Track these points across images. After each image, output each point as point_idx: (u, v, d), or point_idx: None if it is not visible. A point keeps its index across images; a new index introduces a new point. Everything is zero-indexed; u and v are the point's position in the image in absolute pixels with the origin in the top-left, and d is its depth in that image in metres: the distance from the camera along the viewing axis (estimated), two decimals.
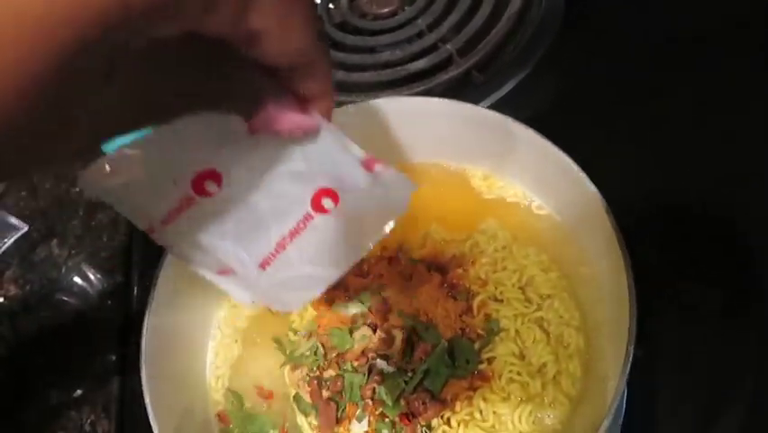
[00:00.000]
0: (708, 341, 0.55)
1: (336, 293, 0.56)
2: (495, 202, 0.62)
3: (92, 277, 0.67)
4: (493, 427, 0.51)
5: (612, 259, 0.48)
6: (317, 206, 0.32)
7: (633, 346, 0.44)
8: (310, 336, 0.56)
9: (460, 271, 0.58)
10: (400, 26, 0.80)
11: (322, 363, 0.54)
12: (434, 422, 0.51)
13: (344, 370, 0.53)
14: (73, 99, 0.21)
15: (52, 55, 0.19)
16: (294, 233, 0.32)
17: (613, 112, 0.68)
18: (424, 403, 0.51)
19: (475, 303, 0.55)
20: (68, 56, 0.19)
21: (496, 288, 0.56)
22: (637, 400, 0.53)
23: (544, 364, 0.52)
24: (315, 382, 0.53)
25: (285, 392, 0.56)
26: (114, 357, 0.62)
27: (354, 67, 0.77)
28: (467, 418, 0.51)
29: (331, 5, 0.84)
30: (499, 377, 0.52)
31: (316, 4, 0.25)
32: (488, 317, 0.55)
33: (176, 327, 0.57)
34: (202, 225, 0.31)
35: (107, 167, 0.27)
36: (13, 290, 0.67)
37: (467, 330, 0.54)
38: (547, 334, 0.54)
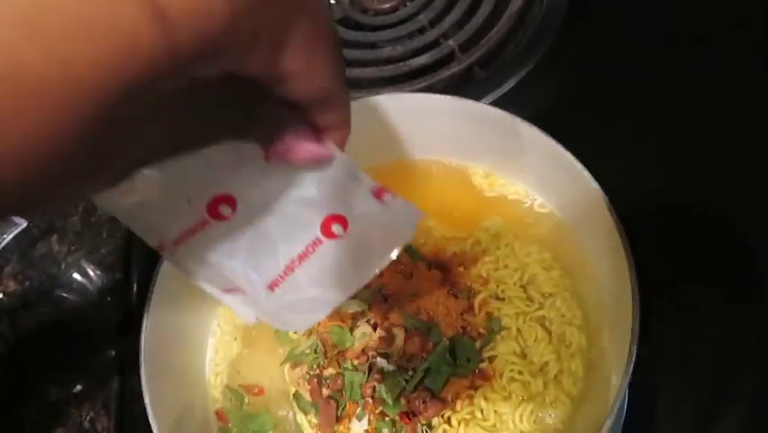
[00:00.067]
0: (709, 341, 0.55)
1: None
2: (496, 200, 0.62)
3: (91, 273, 0.67)
4: (494, 426, 0.51)
5: (614, 257, 0.48)
6: (327, 231, 0.33)
7: (636, 347, 0.44)
8: (310, 333, 0.56)
9: (461, 269, 0.58)
10: (402, 22, 0.80)
11: (322, 362, 0.54)
12: (435, 421, 0.51)
13: (344, 368, 0.53)
14: (113, 144, 0.21)
15: (97, 104, 0.19)
16: (303, 256, 0.33)
17: (613, 111, 0.67)
18: (424, 402, 0.50)
19: (476, 301, 0.55)
20: (112, 105, 0.19)
21: (497, 286, 0.56)
22: (638, 400, 0.53)
23: (546, 363, 0.52)
24: (315, 380, 0.53)
25: (285, 391, 0.56)
26: (113, 354, 0.62)
27: (355, 62, 0.77)
28: (468, 417, 0.51)
29: (332, 1, 0.83)
30: (501, 376, 0.52)
31: (341, 45, 0.26)
32: (489, 316, 0.54)
33: (175, 323, 0.56)
34: (213, 246, 0.32)
35: (124, 186, 0.27)
36: (12, 286, 0.67)
37: (468, 329, 0.54)
38: (549, 333, 0.54)
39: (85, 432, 0.59)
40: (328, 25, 0.26)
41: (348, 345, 0.53)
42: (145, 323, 0.51)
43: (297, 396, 0.54)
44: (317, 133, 0.30)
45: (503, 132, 0.56)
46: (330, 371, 0.53)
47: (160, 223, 0.31)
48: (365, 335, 0.54)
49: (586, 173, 0.52)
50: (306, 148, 0.29)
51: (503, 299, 0.55)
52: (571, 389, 0.51)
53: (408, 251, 0.58)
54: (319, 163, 0.31)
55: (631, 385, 0.45)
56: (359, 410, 0.51)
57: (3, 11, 0.17)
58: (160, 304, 0.53)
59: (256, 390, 0.57)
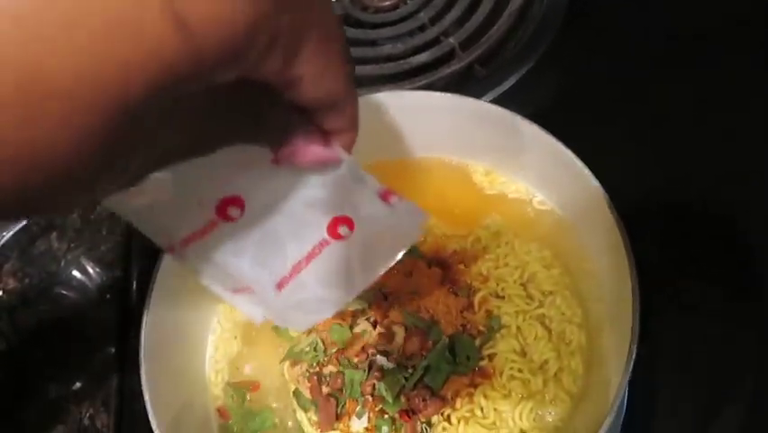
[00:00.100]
0: (709, 339, 0.55)
1: None
2: (497, 198, 0.62)
3: (91, 271, 0.67)
4: (494, 424, 0.51)
5: (615, 255, 0.48)
6: (333, 232, 0.33)
7: (636, 344, 0.44)
8: (310, 331, 0.56)
9: (461, 267, 0.57)
10: (402, 19, 0.79)
11: (322, 359, 0.54)
12: (434, 419, 0.51)
13: (344, 366, 0.52)
14: (129, 148, 0.22)
15: (119, 108, 0.19)
16: (310, 257, 0.33)
17: (614, 109, 0.67)
18: (424, 400, 0.50)
19: (476, 299, 0.55)
20: (132, 109, 0.19)
21: (497, 284, 0.56)
22: (638, 398, 0.53)
23: (546, 361, 0.52)
24: (315, 377, 0.53)
25: (285, 388, 0.55)
26: (113, 351, 0.62)
27: (356, 60, 0.76)
28: (467, 414, 0.51)
29: None
30: (500, 374, 0.52)
31: (349, 48, 0.27)
32: (489, 314, 0.54)
33: (175, 321, 0.56)
34: (222, 246, 0.32)
35: (134, 188, 0.27)
36: (12, 283, 0.67)
37: (468, 326, 0.54)
38: (549, 331, 0.54)
39: (84, 429, 0.59)
40: (338, 30, 0.27)
41: (347, 342, 0.53)
42: (145, 320, 0.51)
43: (296, 393, 0.54)
44: (325, 136, 0.30)
45: (503, 129, 0.56)
46: (330, 368, 0.53)
47: (170, 224, 0.31)
48: (365, 332, 0.54)
49: (586, 171, 0.52)
50: (313, 151, 0.30)
51: (503, 297, 0.55)
52: (571, 387, 0.51)
53: (409, 248, 0.58)
54: (326, 166, 0.31)
55: (631, 383, 0.45)
56: (359, 408, 0.51)
57: (41, 11, 0.17)
58: (160, 302, 0.53)
59: (251, 386, 0.57)
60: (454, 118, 0.59)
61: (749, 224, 0.59)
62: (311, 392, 0.53)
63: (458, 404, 0.51)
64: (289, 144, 0.29)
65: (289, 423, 0.55)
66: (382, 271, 0.36)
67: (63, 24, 0.17)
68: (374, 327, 0.54)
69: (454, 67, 0.73)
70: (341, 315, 0.55)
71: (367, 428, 0.51)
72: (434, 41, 0.76)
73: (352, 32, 0.79)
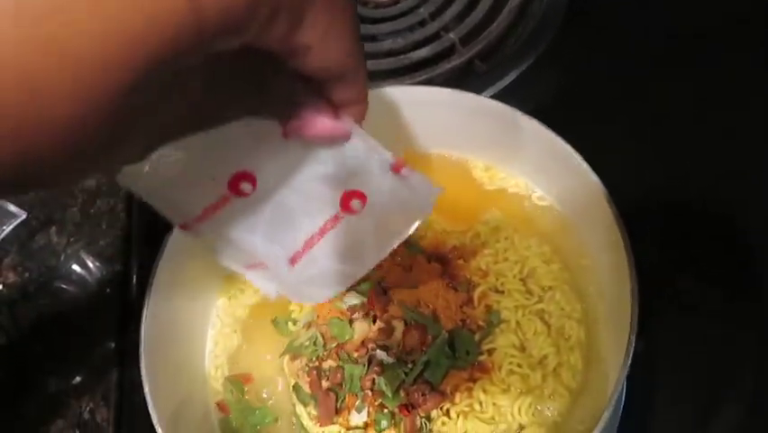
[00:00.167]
0: (708, 337, 0.56)
1: None
2: (496, 193, 0.62)
3: (91, 265, 0.67)
4: (492, 418, 0.51)
5: (614, 251, 0.48)
6: (346, 206, 0.33)
7: (634, 339, 0.44)
8: (309, 325, 0.56)
9: (460, 262, 0.58)
10: (402, 14, 0.79)
11: (321, 354, 0.54)
12: (434, 413, 0.51)
13: (344, 360, 0.53)
14: (132, 120, 0.21)
15: (122, 79, 0.19)
16: (323, 231, 0.33)
17: (613, 107, 0.67)
18: (423, 394, 0.51)
19: (476, 294, 0.55)
20: (136, 80, 0.19)
21: (497, 279, 0.56)
22: (636, 395, 0.53)
23: (545, 356, 0.52)
24: (315, 372, 0.53)
25: (284, 382, 0.56)
26: (112, 345, 0.62)
27: None
28: (466, 409, 0.51)
29: None
30: (499, 369, 0.52)
31: (358, 17, 0.26)
32: (488, 309, 0.55)
33: (175, 315, 0.57)
34: (235, 222, 0.32)
35: (147, 166, 0.27)
36: (11, 277, 0.67)
37: (467, 321, 0.54)
38: (548, 326, 0.54)
39: (84, 423, 0.59)
40: (346, 1, 0.26)
41: (347, 337, 0.53)
42: (145, 315, 0.51)
43: (296, 388, 0.54)
44: (334, 108, 0.30)
45: (503, 125, 0.56)
46: (329, 363, 0.53)
47: (182, 200, 0.31)
48: (364, 327, 0.54)
49: (586, 166, 0.52)
50: (322, 123, 0.29)
51: (502, 292, 0.55)
52: (570, 382, 0.52)
53: (408, 243, 0.58)
54: (336, 139, 0.30)
55: (629, 380, 0.45)
56: (358, 403, 0.51)
57: None
58: (160, 296, 0.53)
59: (243, 378, 0.57)
60: (454, 114, 0.59)
61: (748, 222, 0.59)
62: (310, 387, 0.53)
63: (457, 399, 0.51)
64: (297, 117, 0.29)
65: (289, 418, 0.55)
66: (395, 245, 0.35)
67: None
68: (374, 321, 0.54)
69: (454, 62, 0.73)
70: (340, 309, 0.55)
71: (366, 423, 0.51)
72: (435, 37, 0.76)
73: None
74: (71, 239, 0.69)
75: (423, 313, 0.53)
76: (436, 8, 0.78)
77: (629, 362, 0.44)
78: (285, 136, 0.30)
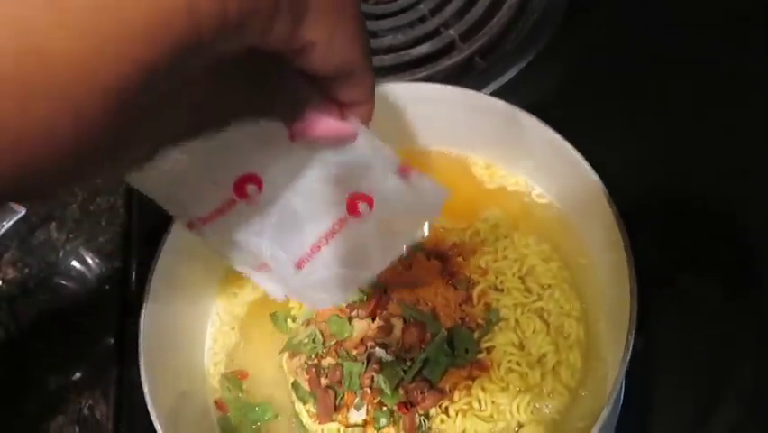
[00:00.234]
0: (707, 334, 0.55)
1: None
2: (496, 191, 0.61)
3: (90, 261, 0.67)
4: (491, 416, 0.51)
5: (613, 249, 0.48)
6: (353, 209, 0.33)
7: (633, 335, 0.44)
8: (309, 323, 0.56)
9: (460, 259, 0.57)
10: (402, 11, 0.79)
11: (320, 351, 0.54)
12: (433, 411, 0.51)
13: (343, 358, 0.53)
14: (136, 126, 0.21)
15: (121, 87, 0.19)
16: (329, 235, 0.33)
17: (613, 105, 0.67)
18: (422, 392, 0.51)
19: (475, 292, 0.55)
20: (136, 87, 0.19)
21: (496, 277, 0.56)
22: (635, 393, 0.53)
23: (544, 355, 0.52)
24: (314, 369, 0.53)
25: (283, 380, 0.56)
26: (112, 342, 0.62)
27: None
28: (465, 407, 0.51)
29: None
30: (498, 367, 0.52)
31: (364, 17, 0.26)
32: (487, 307, 0.55)
33: (174, 312, 0.57)
34: (241, 224, 0.32)
35: (153, 168, 0.27)
36: (11, 273, 0.67)
37: (466, 319, 0.54)
38: (547, 324, 0.54)
39: (84, 420, 0.59)
40: None
41: (346, 334, 0.53)
42: (144, 311, 0.51)
43: (295, 385, 0.54)
44: (340, 108, 0.29)
45: (503, 122, 0.56)
46: (328, 360, 0.53)
47: (189, 202, 0.31)
48: (363, 325, 0.54)
49: (586, 164, 0.51)
50: (328, 124, 0.29)
51: (502, 290, 0.55)
52: (569, 380, 0.52)
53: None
54: (342, 140, 0.30)
55: (628, 378, 0.45)
56: (357, 400, 0.52)
57: None
58: (159, 293, 0.53)
59: (239, 375, 0.57)
60: (454, 110, 0.58)
61: (749, 219, 0.59)
62: (309, 384, 0.53)
63: (456, 397, 0.51)
64: (303, 118, 0.28)
65: (288, 415, 0.55)
66: (403, 249, 0.35)
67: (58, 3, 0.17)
68: (373, 319, 0.54)
69: (454, 59, 0.72)
70: (339, 307, 0.55)
71: (365, 420, 0.51)
72: (435, 33, 0.76)
73: None
74: (71, 235, 0.69)
75: (422, 311, 0.53)
76: (436, 4, 0.78)
77: (628, 360, 0.44)
78: (291, 138, 0.29)
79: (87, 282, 0.66)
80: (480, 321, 0.54)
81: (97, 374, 0.61)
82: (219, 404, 0.56)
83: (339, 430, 0.52)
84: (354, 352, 0.53)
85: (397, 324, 0.53)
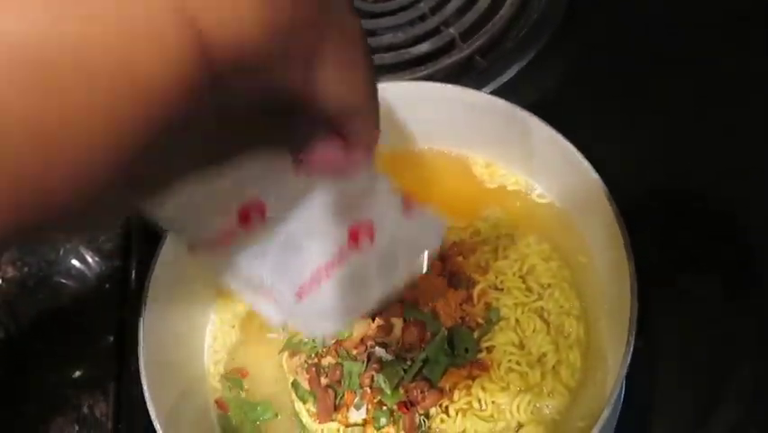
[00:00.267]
0: (707, 335, 0.55)
1: None
2: (497, 190, 0.61)
3: (90, 260, 0.67)
4: (491, 416, 0.51)
5: (613, 248, 0.48)
6: (354, 241, 0.33)
7: (634, 337, 0.44)
8: None
9: (460, 258, 0.57)
10: (402, 9, 0.79)
11: (320, 351, 0.54)
12: (432, 411, 0.51)
13: (343, 357, 0.53)
14: (144, 171, 0.20)
15: (130, 141, 0.18)
16: (330, 265, 0.33)
17: (613, 104, 0.67)
18: (422, 392, 0.51)
19: (475, 291, 0.55)
20: (144, 140, 0.18)
21: (496, 276, 0.56)
22: (635, 391, 0.53)
23: (544, 354, 0.52)
24: (314, 369, 0.53)
25: (283, 379, 0.56)
26: (112, 341, 0.62)
27: None
28: (465, 406, 0.51)
29: None
30: (498, 366, 0.52)
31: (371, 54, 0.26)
32: (488, 306, 0.54)
33: (174, 311, 0.56)
34: (243, 252, 0.32)
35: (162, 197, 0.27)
36: (11, 272, 0.67)
37: (467, 319, 0.54)
38: (547, 323, 0.54)
39: (83, 418, 0.59)
40: (359, 35, 0.25)
41: (346, 334, 0.53)
42: (144, 310, 0.51)
43: (295, 385, 0.54)
44: (344, 141, 0.29)
45: (504, 121, 0.56)
46: (328, 360, 0.53)
47: (192, 227, 0.31)
48: (363, 324, 0.54)
49: (586, 163, 0.51)
50: (331, 156, 0.29)
51: (502, 290, 0.55)
52: (569, 380, 0.51)
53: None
54: (345, 172, 0.31)
55: (628, 376, 0.45)
56: (357, 400, 0.51)
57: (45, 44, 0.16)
58: (159, 292, 0.53)
59: (240, 373, 0.57)
60: (454, 109, 0.58)
61: (749, 219, 0.59)
62: (309, 384, 0.53)
63: (456, 396, 0.51)
64: (308, 151, 0.28)
65: (289, 414, 0.55)
66: (402, 281, 0.36)
67: (68, 61, 0.16)
68: (372, 319, 0.54)
69: (455, 57, 0.72)
70: None
71: (365, 420, 0.51)
72: (435, 31, 0.75)
73: None
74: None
75: (422, 310, 0.53)
76: (436, 3, 0.78)
77: (629, 360, 0.44)
78: (295, 168, 0.30)
79: (87, 281, 0.66)
80: (480, 320, 0.54)
81: (97, 373, 0.61)
82: (219, 403, 0.56)
83: (339, 430, 0.52)
84: (354, 351, 0.53)
85: (397, 323, 0.53)
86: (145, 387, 0.49)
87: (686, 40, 0.68)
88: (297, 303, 0.33)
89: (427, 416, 0.51)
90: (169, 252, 0.53)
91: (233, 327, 0.60)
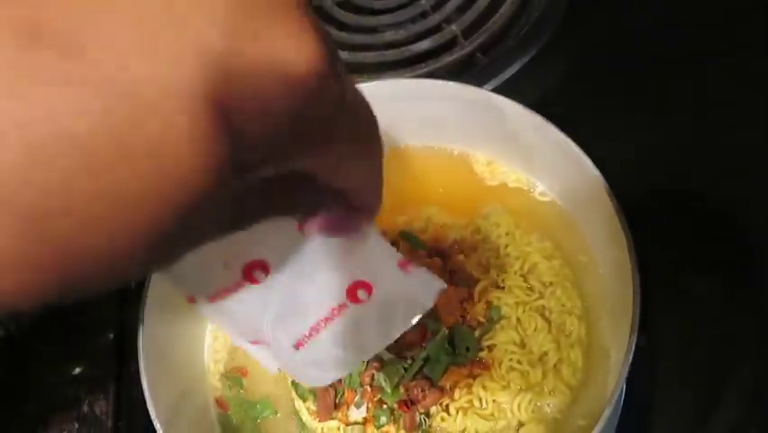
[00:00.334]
0: (707, 335, 0.55)
1: None
2: (498, 188, 0.61)
3: None
4: (492, 415, 0.51)
5: (615, 247, 0.48)
6: (352, 296, 0.35)
7: (636, 337, 0.44)
8: None
9: (461, 257, 0.57)
10: (403, 6, 0.79)
11: None
12: (433, 409, 0.51)
13: None
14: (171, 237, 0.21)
15: (157, 234, 0.19)
16: (329, 319, 0.34)
17: (614, 103, 0.67)
18: (423, 391, 0.50)
19: (476, 290, 0.55)
20: (174, 228, 0.19)
21: (497, 275, 0.56)
22: (636, 391, 0.53)
23: (545, 353, 0.52)
24: None
25: (283, 377, 0.56)
26: (111, 339, 0.62)
27: (356, 47, 0.76)
28: (466, 405, 0.51)
29: None
30: (499, 365, 0.52)
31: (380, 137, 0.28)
32: (489, 305, 0.54)
33: (174, 309, 0.56)
34: (244, 306, 0.33)
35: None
36: None
37: (467, 317, 0.54)
38: (549, 322, 0.53)
39: (83, 416, 0.59)
40: (370, 122, 0.26)
41: None
42: (144, 308, 0.51)
43: (295, 383, 0.54)
44: (348, 209, 0.30)
45: (505, 119, 0.56)
46: None
47: (194, 282, 0.32)
48: None
49: (587, 160, 0.51)
50: (336, 224, 0.30)
51: (503, 288, 0.55)
52: (570, 379, 0.51)
53: (409, 238, 0.58)
54: (348, 237, 0.32)
55: (628, 377, 0.45)
56: (357, 398, 0.51)
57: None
58: (159, 289, 0.52)
59: (240, 372, 0.57)
60: (455, 107, 0.58)
61: (749, 219, 0.59)
62: None
63: (456, 395, 0.51)
64: (314, 217, 0.30)
65: (288, 412, 0.55)
66: (396, 336, 0.37)
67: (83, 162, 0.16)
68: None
69: (456, 54, 0.72)
70: None
71: (365, 418, 0.51)
72: (436, 29, 0.75)
73: (353, 18, 0.79)
74: None
75: None
76: (437, 0, 0.78)
77: (630, 359, 0.44)
78: (299, 228, 0.31)
79: None
80: (481, 319, 0.54)
81: (97, 371, 0.61)
82: (219, 402, 0.56)
83: (339, 428, 0.52)
84: None
85: None
86: (145, 385, 0.49)
87: (687, 39, 0.68)
88: (294, 353, 0.35)
89: (428, 415, 0.51)
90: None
91: None
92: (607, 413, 0.43)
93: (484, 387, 0.51)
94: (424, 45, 0.74)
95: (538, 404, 0.51)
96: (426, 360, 0.51)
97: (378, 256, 0.35)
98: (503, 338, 0.53)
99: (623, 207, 0.49)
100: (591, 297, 0.54)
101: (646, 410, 0.54)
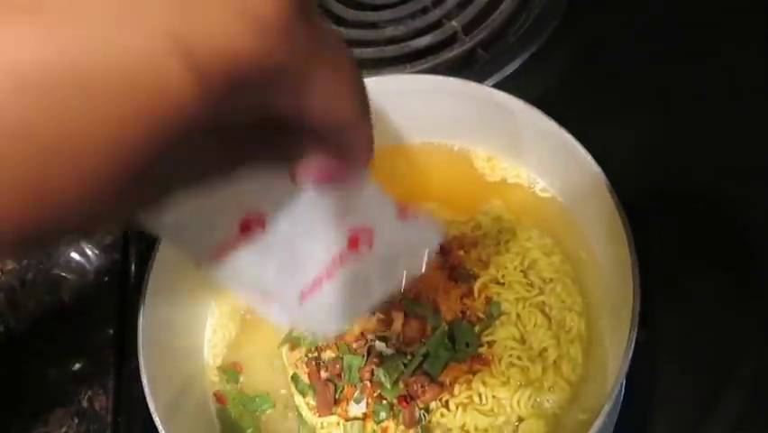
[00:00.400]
0: (709, 330, 0.55)
1: None
2: (498, 184, 0.61)
3: (90, 253, 0.66)
4: (492, 410, 0.51)
5: (616, 243, 0.48)
6: (353, 245, 0.35)
7: (635, 333, 0.44)
8: None
9: (461, 252, 0.57)
10: (404, 1, 0.78)
11: (320, 344, 0.54)
12: (433, 405, 0.51)
13: (343, 351, 0.52)
14: (150, 174, 0.21)
15: (132, 166, 0.19)
16: (331, 269, 0.34)
17: (614, 102, 0.67)
18: (422, 386, 0.50)
19: (476, 286, 0.55)
20: (143, 164, 0.20)
21: (498, 271, 0.56)
22: (635, 387, 0.53)
23: (545, 349, 0.52)
24: (314, 362, 0.53)
25: (283, 372, 0.56)
26: (111, 334, 0.62)
27: (356, 42, 0.76)
28: (466, 401, 0.51)
29: None
30: (499, 361, 0.52)
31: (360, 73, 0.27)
32: (489, 301, 0.54)
33: (174, 304, 0.56)
34: (246, 260, 0.33)
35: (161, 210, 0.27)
36: (10, 264, 0.67)
37: (467, 313, 0.54)
38: (549, 318, 0.53)
39: (83, 411, 0.59)
40: (348, 58, 0.26)
41: (347, 327, 0.53)
42: (143, 303, 0.51)
43: (295, 378, 0.54)
44: (339, 153, 0.30)
45: (505, 115, 0.56)
46: (328, 353, 0.53)
47: (195, 240, 0.32)
48: (363, 318, 0.53)
49: (588, 157, 0.51)
50: (327, 170, 0.30)
51: (503, 284, 0.55)
52: (570, 375, 0.51)
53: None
54: (341, 185, 0.32)
55: (628, 376, 0.45)
56: (357, 393, 0.51)
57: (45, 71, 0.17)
58: (159, 285, 0.53)
59: (236, 366, 0.57)
60: (456, 103, 0.58)
61: (749, 219, 0.59)
62: (309, 377, 0.53)
63: (456, 391, 0.51)
64: (304, 164, 0.29)
65: (287, 407, 0.55)
66: (401, 282, 0.37)
67: (67, 84, 0.17)
68: (373, 312, 0.54)
69: (457, 50, 0.72)
70: None
71: (365, 414, 0.51)
72: (437, 24, 0.75)
73: (353, 14, 0.79)
74: None
75: (422, 304, 0.53)
76: None
77: (630, 355, 0.44)
78: (293, 181, 0.30)
79: (87, 274, 0.66)
80: (480, 315, 0.54)
81: (97, 366, 0.61)
82: (218, 396, 0.56)
83: (338, 423, 0.52)
84: (354, 345, 0.52)
85: (398, 317, 0.53)
86: (144, 380, 0.49)
87: (687, 38, 0.68)
88: (300, 305, 0.34)
89: (427, 410, 0.51)
90: (168, 245, 0.53)
91: (233, 320, 0.59)
92: (606, 408, 0.43)
93: (484, 383, 0.51)
94: (424, 41, 0.74)
95: (538, 400, 0.51)
96: (426, 355, 0.51)
97: (375, 206, 0.35)
98: (503, 334, 0.53)
99: (624, 202, 0.48)
100: (591, 293, 0.54)
101: (646, 410, 0.53)
